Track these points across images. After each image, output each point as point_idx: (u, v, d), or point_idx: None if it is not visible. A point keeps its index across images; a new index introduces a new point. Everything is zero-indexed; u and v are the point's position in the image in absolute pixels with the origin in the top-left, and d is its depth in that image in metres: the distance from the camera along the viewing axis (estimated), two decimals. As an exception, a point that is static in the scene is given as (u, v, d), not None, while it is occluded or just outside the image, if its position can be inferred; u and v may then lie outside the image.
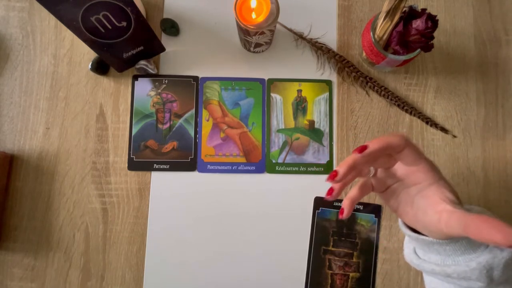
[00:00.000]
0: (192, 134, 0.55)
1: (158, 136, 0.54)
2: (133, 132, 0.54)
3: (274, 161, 0.54)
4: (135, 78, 0.55)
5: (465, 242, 0.35)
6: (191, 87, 0.55)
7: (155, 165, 0.54)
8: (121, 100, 0.55)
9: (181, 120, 0.55)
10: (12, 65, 0.56)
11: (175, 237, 0.52)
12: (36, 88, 0.55)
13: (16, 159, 0.54)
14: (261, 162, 0.54)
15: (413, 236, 0.38)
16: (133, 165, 0.54)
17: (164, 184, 0.53)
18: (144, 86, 0.55)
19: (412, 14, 0.46)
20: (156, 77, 0.55)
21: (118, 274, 0.52)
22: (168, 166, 0.54)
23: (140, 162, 0.54)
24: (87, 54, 0.56)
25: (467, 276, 0.34)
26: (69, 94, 0.55)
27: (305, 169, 0.54)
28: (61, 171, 0.54)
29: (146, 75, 0.55)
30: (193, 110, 0.55)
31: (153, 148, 0.54)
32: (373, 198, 0.53)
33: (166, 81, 0.55)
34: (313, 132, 0.55)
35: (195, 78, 0.56)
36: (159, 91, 0.55)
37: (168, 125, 0.55)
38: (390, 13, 0.47)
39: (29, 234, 0.52)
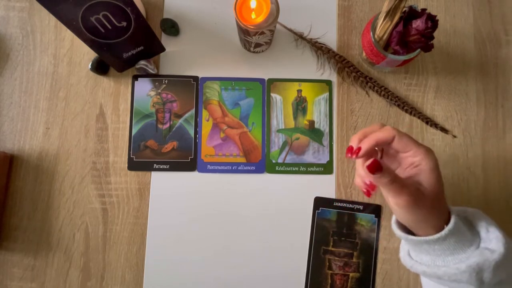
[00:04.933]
0: (192, 134, 0.55)
1: (158, 136, 0.54)
2: (133, 132, 0.54)
3: (274, 161, 0.54)
4: (135, 78, 0.55)
5: (453, 241, 0.35)
6: (191, 87, 0.55)
7: (155, 165, 0.54)
8: (121, 100, 0.55)
9: (181, 120, 0.55)
10: (12, 65, 0.56)
11: (175, 237, 0.52)
12: (36, 88, 0.55)
13: (16, 159, 0.54)
14: (261, 162, 0.54)
15: (402, 236, 0.38)
16: (133, 165, 0.54)
17: (164, 184, 0.53)
18: (144, 86, 0.55)
19: (412, 14, 0.46)
20: (156, 77, 0.55)
21: (118, 274, 0.52)
22: (168, 166, 0.54)
23: (140, 162, 0.54)
24: (87, 54, 0.56)
25: (458, 278, 0.35)
26: (69, 94, 0.55)
27: (305, 169, 0.54)
28: (61, 171, 0.54)
29: (146, 75, 0.55)
30: (193, 110, 0.55)
31: (153, 148, 0.54)
32: (373, 198, 0.53)
33: (166, 81, 0.55)
34: (313, 132, 0.55)
35: (195, 78, 0.56)
36: (159, 91, 0.55)
37: (168, 125, 0.55)
38: (390, 13, 0.47)
39: (29, 234, 0.52)
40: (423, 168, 0.36)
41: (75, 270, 0.52)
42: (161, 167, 0.54)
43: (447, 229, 0.35)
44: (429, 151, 0.36)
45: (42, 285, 0.51)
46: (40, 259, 0.52)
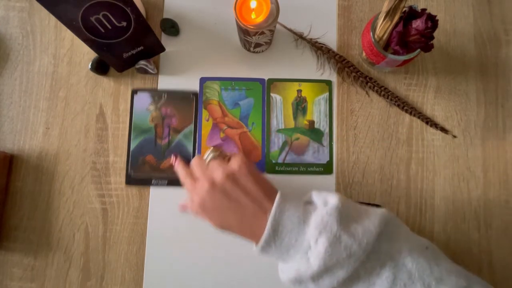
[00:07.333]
0: (191, 149, 0.54)
1: (157, 151, 0.54)
2: (132, 147, 0.54)
3: (274, 161, 0.54)
4: (135, 92, 0.55)
5: (284, 246, 0.36)
6: (190, 102, 0.55)
7: (153, 180, 0.53)
8: (121, 100, 0.55)
9: (179, 136, 0.54)
10: (12, 65, 0.56)
11: (175, 237, 0.52)
12: (36, 88, 0.55)
13: (16, 159, 0.54)
14: (261, 162, 0.54)
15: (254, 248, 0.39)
16: (131, 181, 0.53)
17: (164, 184, 0.53)
18: (143, 101, 0.55)
19: (412, 14, 0.46)
20: (155, 92, 0.55)
21: (118, 274, 0.52)
22: (166, 182, 0.53)
23: (138, 178, 0.53)
24: (87, 54, 0.56)
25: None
26: (69, 94, 0.55)
27: (305, 169, 0.54)
28: (61, 171, 0.54)
29: (145, 89, 0.55)
30: (192, 126, 0.54)
31: (151, 164, 0.53)
32: (373, 198, 0.53)
33: (166, 96, 0.55)
34: (313, 132, 0.55)
35: (195, 93, 0.55)
36: (158, 105, 0.55)
37: (167, 140, 0.54)
38: (390, 13, 0.47)
39: (29, 234, 0.52)
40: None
41: (75, 270, 0.52)
42: (160, 182, 0.53)
43: (262, 240, 0.36)
44: (192, 194, 0.41)
45: (42, 285, 0.51)
46: (40, 259, 0.52)
